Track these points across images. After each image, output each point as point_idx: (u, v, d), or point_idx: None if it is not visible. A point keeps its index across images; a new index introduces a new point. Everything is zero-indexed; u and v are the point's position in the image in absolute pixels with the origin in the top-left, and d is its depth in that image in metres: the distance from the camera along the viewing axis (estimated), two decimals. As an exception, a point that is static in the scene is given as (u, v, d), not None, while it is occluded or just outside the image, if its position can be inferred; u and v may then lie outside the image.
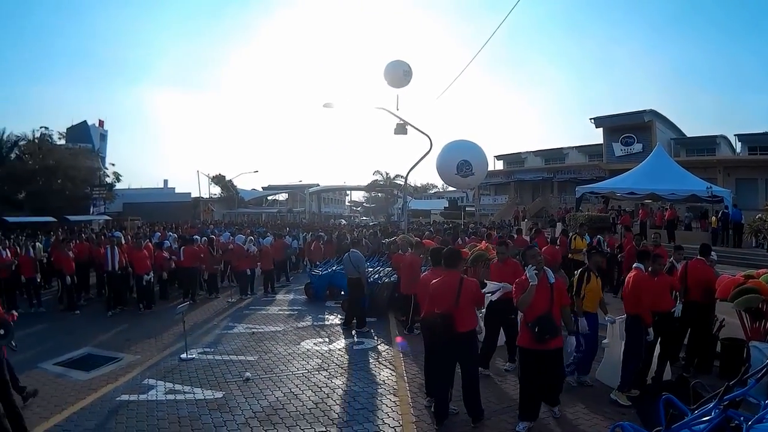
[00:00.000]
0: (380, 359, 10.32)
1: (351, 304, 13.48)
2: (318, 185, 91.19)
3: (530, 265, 6.92)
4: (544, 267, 7.06)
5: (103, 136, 79.76)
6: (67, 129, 63.87)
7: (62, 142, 57.30)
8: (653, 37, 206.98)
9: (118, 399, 8.30)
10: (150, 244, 18.47)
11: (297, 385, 8.68)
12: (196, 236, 21.54)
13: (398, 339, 11.74)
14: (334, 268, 18.21)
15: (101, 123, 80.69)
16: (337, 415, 7.38)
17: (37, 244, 19.65)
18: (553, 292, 6.89)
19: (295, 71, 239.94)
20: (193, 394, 8.42)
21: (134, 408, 7.93)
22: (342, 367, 9.69)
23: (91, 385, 9.07)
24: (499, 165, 62.12)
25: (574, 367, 8.54)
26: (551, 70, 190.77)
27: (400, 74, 19.95)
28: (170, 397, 8.32)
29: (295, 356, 10.55)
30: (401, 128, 21.02)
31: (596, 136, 51.44)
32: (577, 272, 8.65)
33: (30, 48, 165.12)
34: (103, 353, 11.13)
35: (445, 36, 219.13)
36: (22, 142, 52.20)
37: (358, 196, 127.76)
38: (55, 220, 36.85)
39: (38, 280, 17.29)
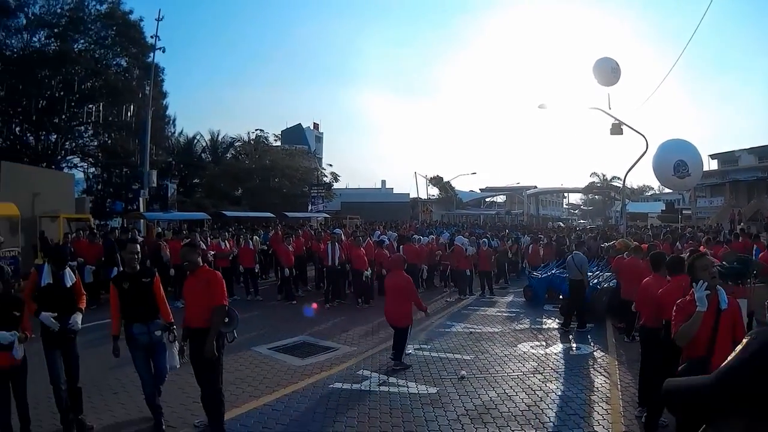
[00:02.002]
0: (595, 366, 10.15)
1: (571, 304, 13.41)
2: (535, 187, 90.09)
3: (701, 281, 5.28)
4: (718, 286, 5.40)
5: (319, 138, 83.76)
6: (281, 131, 67.51)
7: (277, 143, 60.90)
8: None
9: (331, 386, 8.67)
10: (371, 241, 19.12)
11: (511, 387, 8.66)
12: (416, 235, 21.91)
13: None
14: (553, 271, 17.97)
15: (316, 126, 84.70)
16: (548, 419, 7.34)
17: (255, 237, 20.78)
18: (718, 324, 5.19)
19: (510, 72, 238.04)
20: (407, 387, 8.63)
21: (346, 396, 8.28)
22: (557, 372, 9.61)
23: (305, 371, 9.55)
24: (714, 164, 58.25)
25: None
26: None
27: (608, 71, 19.44)
28: (383, 388, 8.62)
29: (511, 358, 10.56)
30: (617, 128, 20.43)
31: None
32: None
33: (247, 56, 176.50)
34: (319, 342, 11.70)
35: (651, 32, 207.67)
36: (237, 143, 56.41)
37: (575, 198, 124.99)
38: (273, 216, 38.91)
39: (256, 271, 18.35)
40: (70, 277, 7.15)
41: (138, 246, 7.69)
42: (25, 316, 6.59)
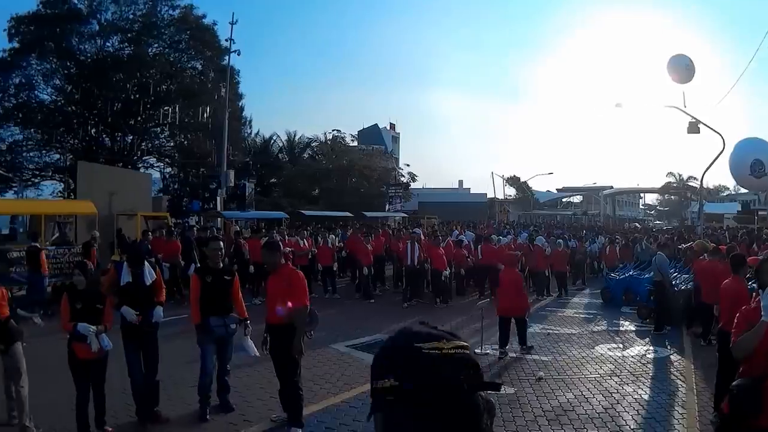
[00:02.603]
0: (672, 369, 10.11)
1: (656, 305, 13.50)
2: (611, 187, 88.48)
3: None
4: None
5: (395, 139, 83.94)
6: (358, 132, 68.02)
7: (354, 144, 61.48)
8: None
9: None
10: (451, 241, 19.19)
11: (588, 389, 8.71)
12: (494, 236, 21.95)
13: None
14: (630, 273, 17.82)
15: (392, 126, 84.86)
16: (624, 422, 7.38)
17: (331, 235, 21.01)
18: None
19: (587, 70, 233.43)
20: None
21: None
22: (633, 375, 9.58)
23: None
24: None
25: None
26: None
27: (682, 68, 19.15)
28: None
29: (588, 360, 10.61)
30: (694, 127, 20.18)
31: None
32: None
33: (322, 57, 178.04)
34: None
35: (726, 27, 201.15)
36: (314, 144, 57.28)
37: (651, 198, 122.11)
38: (352, 215, 39.27)
39: (334, 269, 18.72)
40: (149, 275, 7.40)
41: (221, 243, 7.99)
42: (106, 309, 6.97)
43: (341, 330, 12.75)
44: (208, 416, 7.43)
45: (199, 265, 16.36)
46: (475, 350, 10.64)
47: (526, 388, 8.67)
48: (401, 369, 1.11)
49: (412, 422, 1.09)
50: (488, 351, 10.85)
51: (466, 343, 1.19)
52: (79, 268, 7.17)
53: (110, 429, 6.97)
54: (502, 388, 8.44)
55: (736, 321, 4.87)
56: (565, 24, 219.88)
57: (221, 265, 7.75)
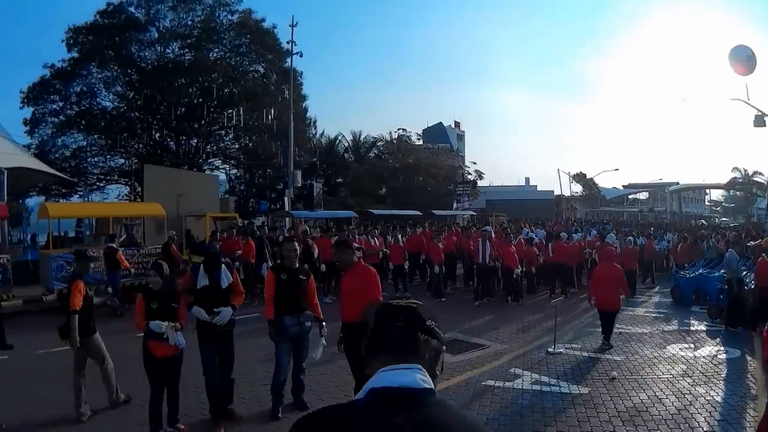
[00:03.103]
0: (743, 370, 10.04)
1: (728, 304, 13.55)
2: (677, 183, 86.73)
3: None
4: None
5: (460, 137, 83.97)
6: (423, 130, 68.04)
7: (419, 142, 61.48)
8: None
9: (483, 383, 8.88)
10: (522, 239, 19.23)
11: (661, 389, 8.67)
12: (563, 233, 21.91)
13: None
14: (700, 271, 17.66)
15: (457, 124, 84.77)
16: (697, 424, 7.35)
17: (398, 235, 20.99)
18: None
19: (652, 64, 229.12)
20: (559, 387, 8.76)
21: (499, 394, 8.43)
22: (706, 375, 9.51)
23: (457, 367, 9.82)
24: None
25: None
26: None
27: (744, 60, 18.86)
28: (536, 387, 8.74)
29: (661, 360, 10.55)
30: (759, 120, 19.93)
31: None
32: None
33: (385, 57, 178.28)
34: (470, 339, 12.00)
35: None
36: (380, 143, 57.57)
37: (716, 194, 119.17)
38: (420, 214, 39.38)
39: (405, 268, 18.87)
40: (226, 277, 7.42)
41: (296, 244, 8.02)
42: (181, 308, 7.22)
43: None
44: (280, 414, 7.58)
45: (270, 264, 16.87)
46: (548, 349, 10.90)
47: (600, 388, 8.67)
48: (375, 315, 1.91)
49: (374, 343, 1.84)
50: (561, 350, 10.87)
51: (416, 303, 1.92)
52: (156, 269, 7.52)
53: (183, 426, 7.22)
54: (577, 388, 8.67)
55: (765, 334, 4.99)
56: (629, 18, 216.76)
57: (296, 265, 7.83)
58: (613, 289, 11.62)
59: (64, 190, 44.91)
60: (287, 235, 17.77)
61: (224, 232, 20.54)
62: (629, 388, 8.73)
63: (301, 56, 40.91)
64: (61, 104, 44.84)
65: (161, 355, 7.04)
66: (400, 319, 1.82)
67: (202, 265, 7.44)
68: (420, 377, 1.69)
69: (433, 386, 1.73)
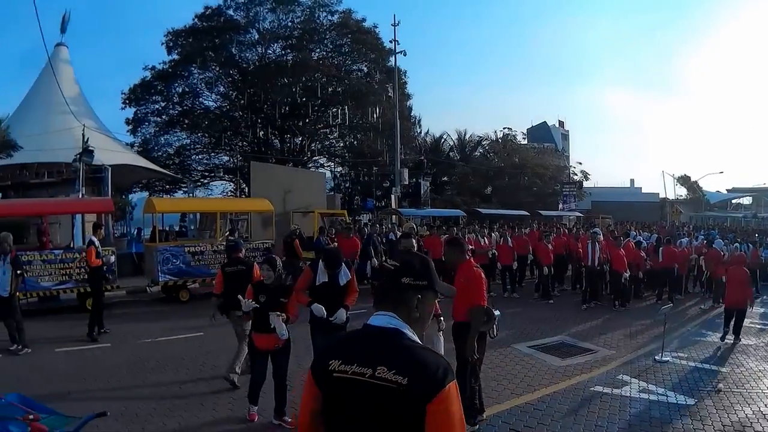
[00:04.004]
0: None
1: None
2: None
3: None
4: None
5: (565, 136, 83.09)
6: (527, 129, 67.60)
7: (524, 141, 61.08)
8: None
9: (591, 389, 8.86)
10: (630, 242, 18.99)
11: (766, 405, 8.45)
12: (669, 237, 21.55)
13: None
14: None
15: (561, 123, 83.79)
16: (804, 443, 7.20)
17: (507, 235, 20.82)
18: None
19: (757, 62, 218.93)
20: (666, 396, 8.65)
21: (607, 401, 8.37)
22: (814, 391, 9.24)
23: (565, 372, 9.86)
24: None
25: None
26: None
27: None
28: (643, 396, 8.65)
29: (766, 374, 10.30)
30: None
31: None
32: None
33: (487, 55, 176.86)
34: (577, 344, 12.00)
35: None
36: (485, 142, 57.16)
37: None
38: (528, 214, 39.21)
39: (514, 268, 18.89)
40: (344, 275, 7.47)
41: (413, 241, 8.11)
42: (290, 302, 7.40)
43: (523, 330, 13.08)
44: None
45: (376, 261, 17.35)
46: (655, 357, 10.82)
47: (706, 400, 8.55)
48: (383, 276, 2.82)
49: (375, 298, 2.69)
50: (668, 359, 10.75)
51: (394, 265, 2.76)
52: (269, 264, 7.62)
53: (290, 420, 7.40)
54: (683, 399, 8.59)
55: None
56: (733, 13, 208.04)
57: None
58: (745, 289, 12.89)
59: (168, 186, 46.85)
60: (407, 232, 17.97)
61: (331, 229, 21.08)
62: (735, 401, 8.55)
63: (404, 55, 41.05)
64: (163, 104, 46.93)
65: (262, 347, 7.43)
66: (385, 278, 2.77)
67: (321, 261, 7.54)
68: (390, 322, 2.52)
69: (398, 326, 2.50)
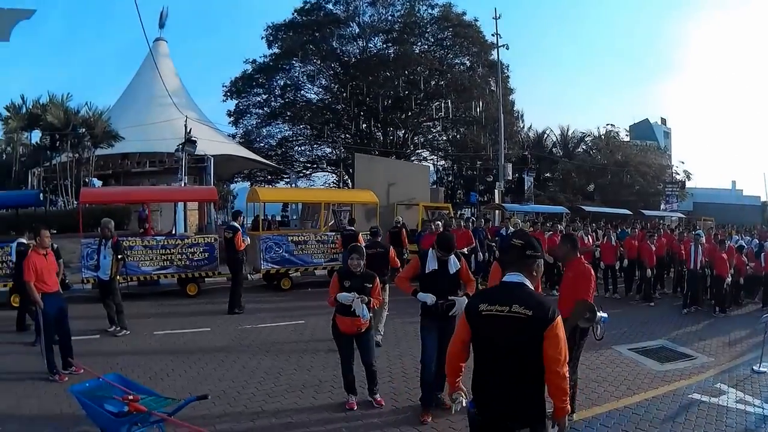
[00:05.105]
0: None
1: None
2: None
3: None
4: None
5: (667, 134, 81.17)
6: (629, 126, 66.50)
7: (627, 139, 60.34)
8: None
9: (689, 396, 8.70)
10: (732, 246, 18.50)
11: None
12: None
13: None
14: None
15: (663, 120, 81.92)
16: None
17: (611, 233, 20.61)
18: None
19: None
20: (762, 409, 8.40)
21: (704, 409, 8.20)
22: None
23: (665, 377, 9.73)
24: None
25: None
26: None
27: None
28: (740, 406, 8.40)
29: None
30: None
31: None
32: None
33: (587, 50, 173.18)
34: (677, 348, 11.81)
35: None
36: (587, 138, 56.95)
37: None
38: (630, 213, 38.55)
39: (617, 268, 18.79)
40: (454, 264, 7.44)
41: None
42: (375, 287, 7.64)
43: (624, 332, 12.96)
44: None
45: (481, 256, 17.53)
46: (753, 367, 10.50)
47: None
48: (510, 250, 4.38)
49: (505, 263, 4.66)
50: (766, 370, 10.33)
51: (521, 242, 4.28)
52: (357, 253, 7.72)
53: (380, 399, 7.83)
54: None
55: None
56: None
57: None
58: None
59: (269, 177, 48.03)
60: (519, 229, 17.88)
61: (434, 222, 21.10)
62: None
63: (507, 49, 40.93)
64: (264, 96, 48.80)
65: (346, 331, 7.56)
66: (513, 251, 4.23)
67: (431, 249, 7.61)
68: (518, 279, 4.03)
69: (525, 282, 4.01)
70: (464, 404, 4.31)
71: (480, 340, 4.04)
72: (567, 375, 3.87)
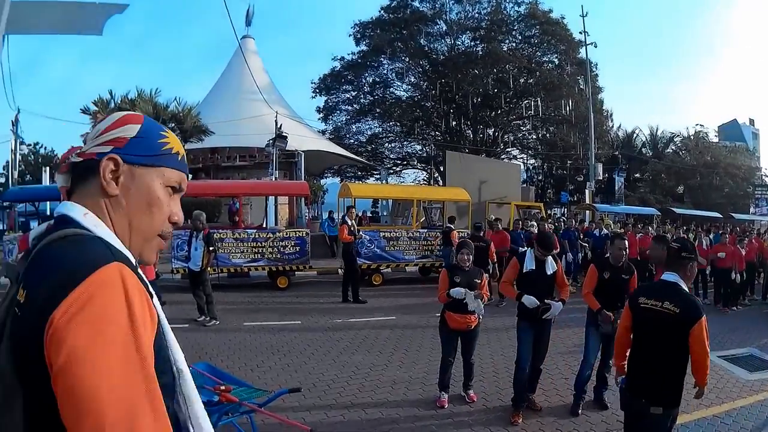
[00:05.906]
0: None
1: None
2: None
3: None
4: None
5: (755, 135, 78.48)
6: (718, 127, 64.76)
7: (716, 139, 58.76)
8: None
9: None
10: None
11: None
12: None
13: None
14: None
15: (752, 121, 79.51)
16: None
17: (702, 237, 20.31)
18: None
19: None
20: None
21: None
22: None
23: (753, 386, 9.46)
24: None
25: None
26: None
27: None
28: None
29: None
30: None
31: None
32: None
33: (677, 48, 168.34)
34: (765, 357, 11.51)
35: None
36: (677, 138, 55.62)
37: None
38: (720, 216, 37.65)
39: (706, 272, 18.34)
40: (551, 265, 7.42)
41: (626, 242, 7.88)
42: (482, 283, 7.57)
43: (712, 338, 12.67)
44: (580, 411, 7.50)
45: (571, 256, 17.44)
46: None
47: None
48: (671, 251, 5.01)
49: (664, 264, 5.19)
50: None
51: (677, 245, 4.94)
52: (466, 248, 7.76)
53: (473, 395, 7.85)
54: None
55: None
56: None
57: (622, 264, 7.63)
58: None
59: (360, 173, 48.45)
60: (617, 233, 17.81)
61: (526, 221, 20.80)
62: None
63: (595, 47, 40.36)
64: (354, 93, 49.31)
65: (454, 327, 7.55)
66: (670, 255, 4.81)
67: (529, 249, 7.68)
68: (673, 278, 4.65)
69: (679, 282, 4.63)
70: (618, 381, 5.26)
71: (637, 329, 4.97)
72: (709, 366, 4.91)
